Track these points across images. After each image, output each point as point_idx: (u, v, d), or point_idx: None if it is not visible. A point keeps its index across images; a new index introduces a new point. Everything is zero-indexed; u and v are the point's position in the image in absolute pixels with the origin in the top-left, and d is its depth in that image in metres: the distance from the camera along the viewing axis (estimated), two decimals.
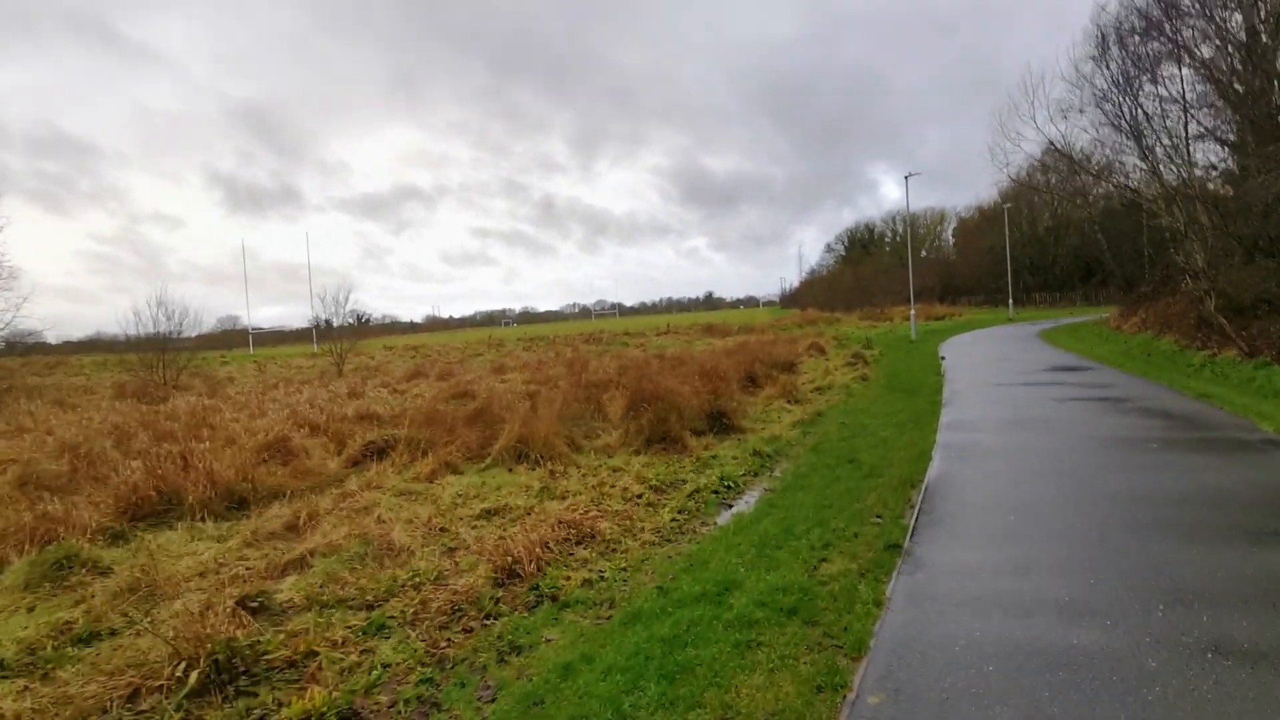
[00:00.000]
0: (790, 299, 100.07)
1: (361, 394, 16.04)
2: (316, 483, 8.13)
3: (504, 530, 5.98)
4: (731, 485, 7.16)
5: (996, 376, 14.61)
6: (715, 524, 6.01)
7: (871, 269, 71.12)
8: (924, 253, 77.90)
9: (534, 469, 8.32)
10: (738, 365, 15.76)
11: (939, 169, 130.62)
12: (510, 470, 8.37)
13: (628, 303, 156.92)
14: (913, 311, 29.67)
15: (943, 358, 19.40)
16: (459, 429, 9.91)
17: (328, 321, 31.05)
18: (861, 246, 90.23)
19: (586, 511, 6.15)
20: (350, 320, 31.04)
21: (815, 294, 77.12)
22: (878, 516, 5.64)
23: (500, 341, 46.26)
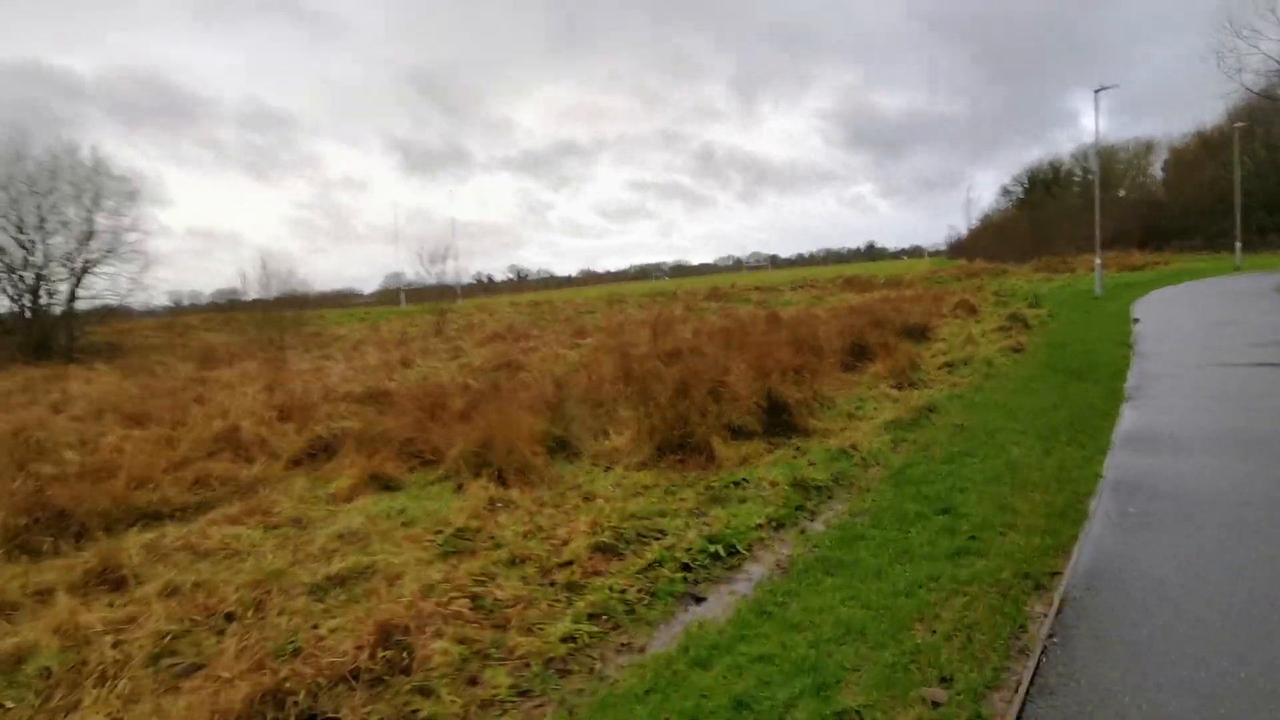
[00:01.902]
0: (957, 248, 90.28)
1: (412, 363, 14.58)
2: (219, 495, 6.37)
3: (324, 619, 3.77)
4: (731, 549, 4.44)
5: (1216, 352, 10.36)
6: (644, 651, 3.40)
7: (1053, 212, 61.48)
8: (1121, 191, 66.08)
9: (495, 485, 6.06)
10: (846, 332, 12.54)
11: (1150, 94, 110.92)
12: (459, 488, 6.15)
13: (784, 254, 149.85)
14: (1098, 261, 24.04)
15: (1135, 320, 14.82)
16: (448, 422, 7.85)
17: (441, 285, 30.17)
18: (1044, 187, 78.71)
19: (447, 601, 3.76)
20: (451, 280, 30.04)
21: (984, 242, 68.32)
22: (944, 681, 2.80)
23: (621, 298, 44.50)
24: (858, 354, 11.65)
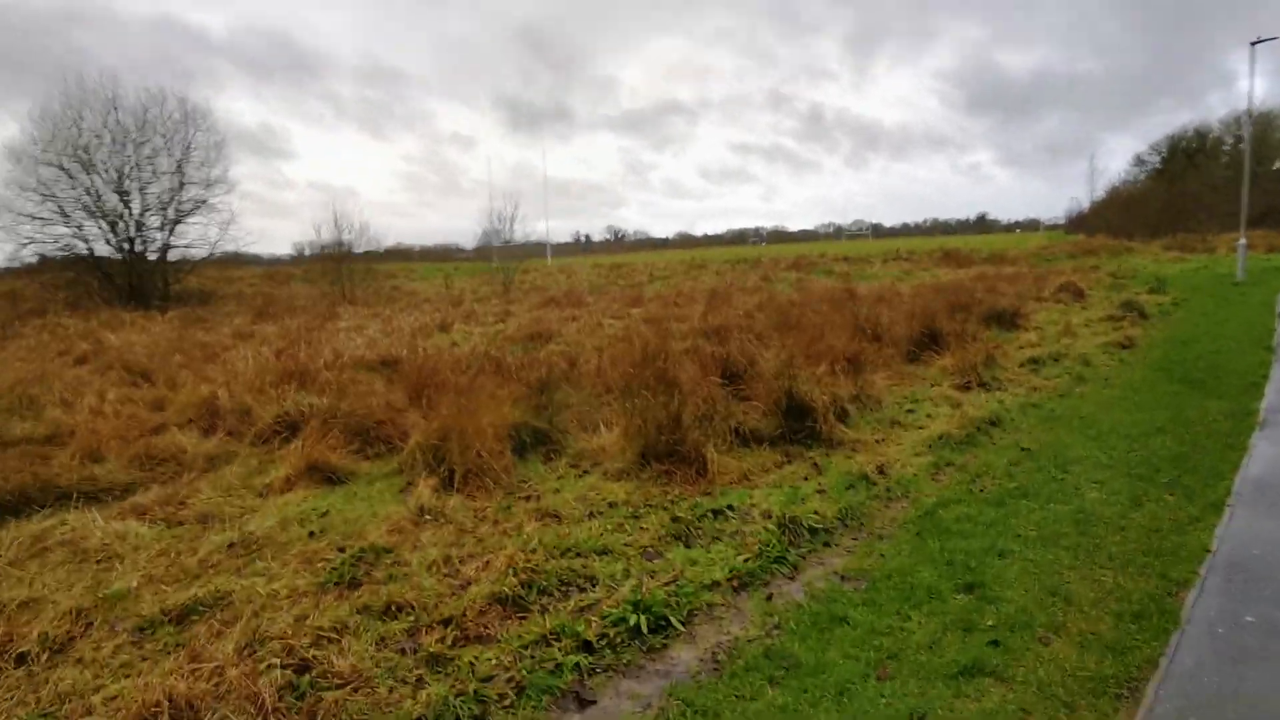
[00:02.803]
0: (1077, 222, 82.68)
1: (451, 327, 13.94)
2: (154, 476, 5.77)
3: (118, 677, 2.98)
4: (661, 622, 3.33)
5: None
6: None
7: (1195, 185, 54.81)
8: (1278, 164, 58.04)
9: (440, 488, 5.19)
10: (917, 315, 10.92)
11: None
12: (407, 487, 5.31)
13: (888, 223, 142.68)
14: (1242, 239, 20.71)
15: None
16: (432, 402, 7.04)
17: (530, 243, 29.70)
18: (1185, 157, 70.37)
19: (263, 669, 2.86)
20: (520, 238, 29.51)
21: (1109, 216, 61.92)
22: None
23: (702, 264, 42.97)
24: (926, 342, 10.08)
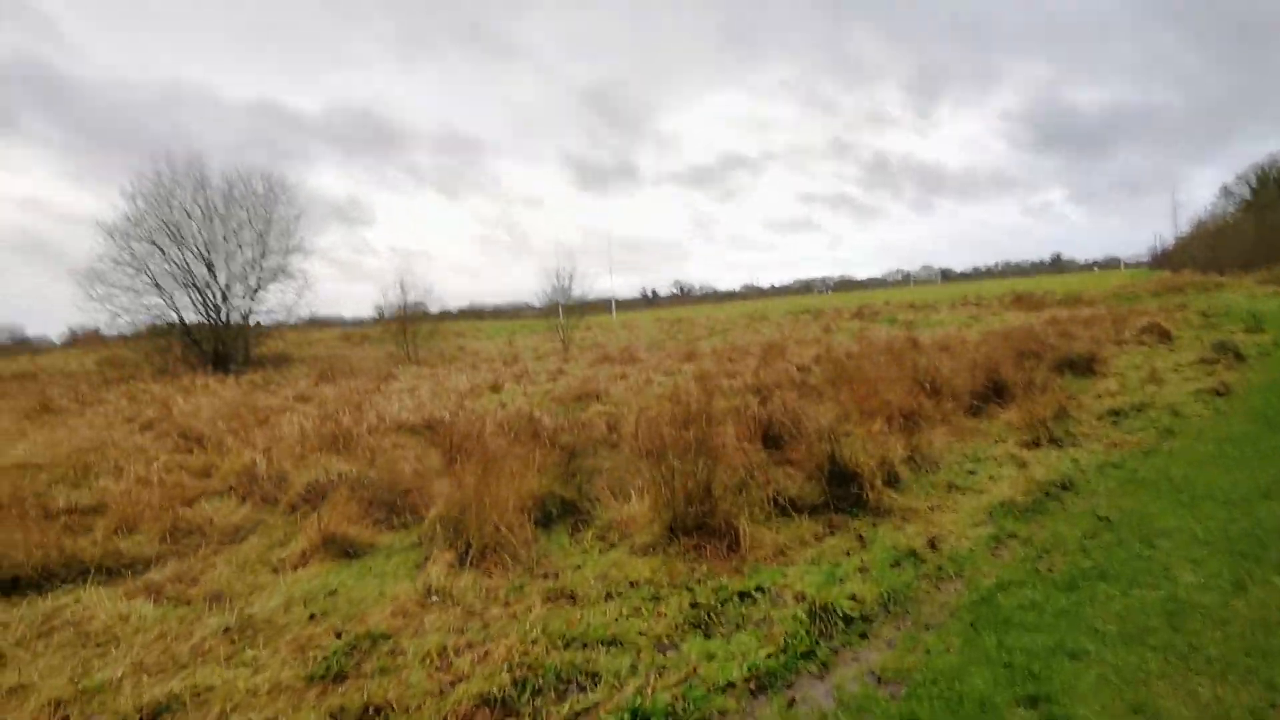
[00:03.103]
0: (1161, 259, 78.44)
1: (502, 386, 13.92)
2: (180, 548, 5.71)
3: None
4: None
5: None
6: None
7: None
8: None
9: (462, 566, 4.92)
10: (980, 365, 10.22)
11: None
12: (424, 562, 5.06)
13: (958, 267, 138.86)
14: None
15: None
16: (462, 470, 6.85)
17: (569, 294, 30.00)
18: (1277, 186, 66.37)
19: None
20: (579, 295, 29.79)
21: (1195, 251, 58.54)
22: None
23: (764, 315, 42.46)
24: (990, 394, 9.39)
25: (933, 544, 4.70)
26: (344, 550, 5.37)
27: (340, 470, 6.80)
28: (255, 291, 29.37)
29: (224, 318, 28.64)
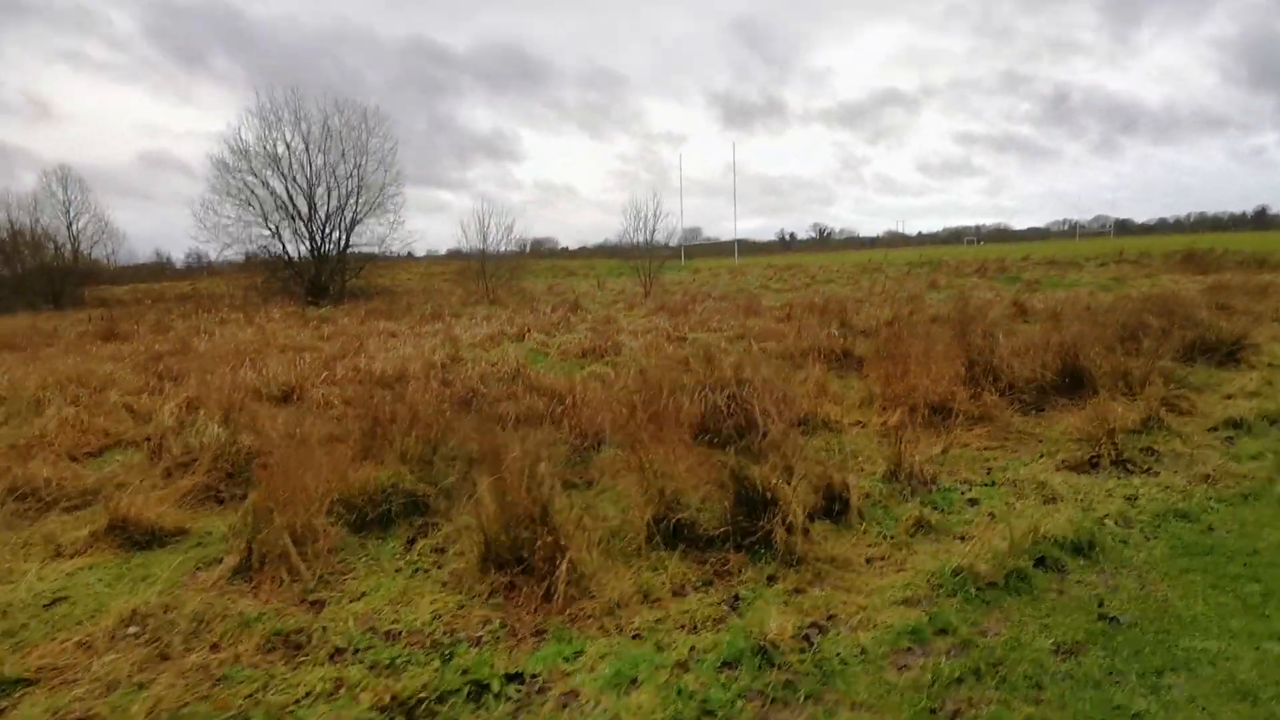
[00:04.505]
0: None
1: (525, 335, 12.93)
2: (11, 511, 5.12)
3: None
4: None
5: None
6: None
7: None
8: None
9: (240, 576, 3.97)
10: (1063, 345, 7.97)
11: None
12: (208, 566, 4.14)
13: (1140, 218, 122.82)
14: None
15: None
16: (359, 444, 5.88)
17: (650, 240, 28.50)
18: None
19: None
20: (664, 239, 28.18)
21: None
22: None
23: (878, 266, 38.97)
24: (1063, 385, 7.26)
25: (815, 631, 3.16)
26: (135, 539, 4.54)
27: (217, 432, 6.02)
28: (352, 224, 30.12)
29: (321, 249, 29.62)
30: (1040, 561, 3.62)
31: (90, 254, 37.47)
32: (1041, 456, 5.60)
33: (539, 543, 3.69)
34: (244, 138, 28.20)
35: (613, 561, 3.91)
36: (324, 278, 29.37)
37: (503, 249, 27.48)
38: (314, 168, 28.89)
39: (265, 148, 28.12)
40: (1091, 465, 5.31)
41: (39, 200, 35.74)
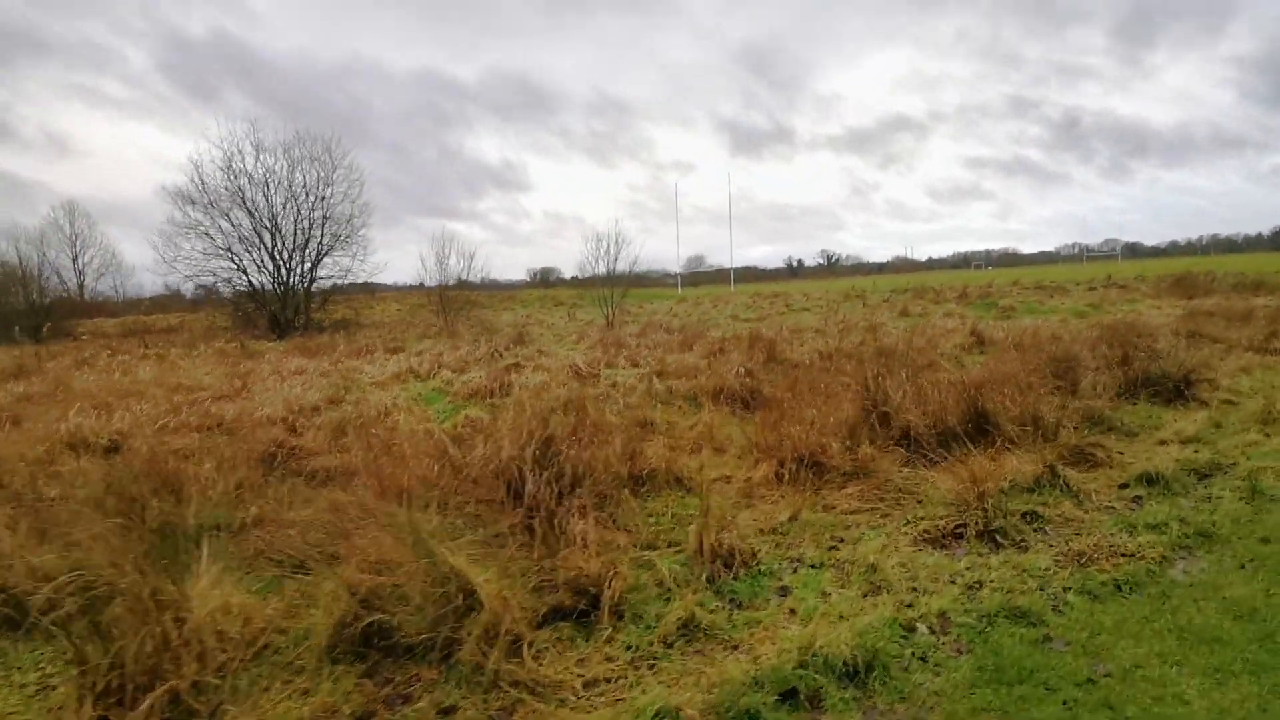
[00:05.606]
0: None
1: (431, 375, 12.05)
2: None
3: None
4: None
5: None
6: None
7: None
8: None
9: None
10: (980, 384, 7.02)
11: None
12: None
13: (1151, 241, 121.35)
14: None
15: None
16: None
17: (613, 269, 27.74)
18: None
19: None
20: (625, 268, 27.40)
21: None
22: None
23: (863, 293, 38.05)
24: (968, 433, 6.30)
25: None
26: None
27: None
28: (317, 258, 29.53)
29: (285, 282, 28.99)
30: (788, 695, 2.66)
31: (96, 286, 37.17)
32: (906, 524, 4.65)
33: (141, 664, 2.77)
34: (203, 170, 27.72)
35: (269, 680, 2.98)
36: (289, 311, 28.70)
37: (466, 278, 26.78)
38: (274, 201, 28.39)
39: (227, 180, 27.66)
40: (955, 536, 4.36)
41: (45, 234, 35.60)
